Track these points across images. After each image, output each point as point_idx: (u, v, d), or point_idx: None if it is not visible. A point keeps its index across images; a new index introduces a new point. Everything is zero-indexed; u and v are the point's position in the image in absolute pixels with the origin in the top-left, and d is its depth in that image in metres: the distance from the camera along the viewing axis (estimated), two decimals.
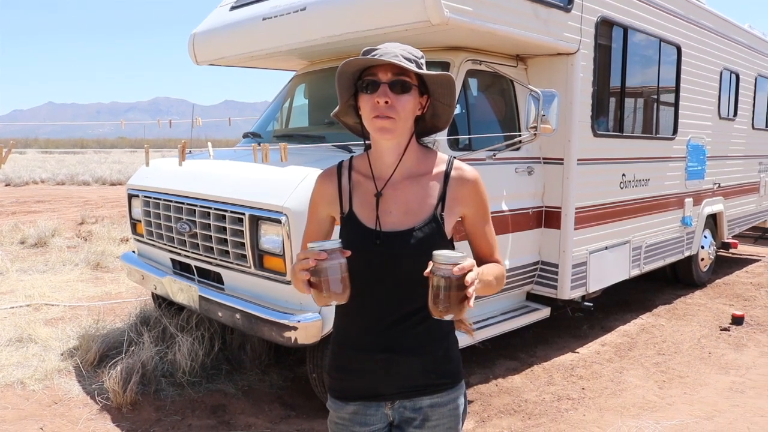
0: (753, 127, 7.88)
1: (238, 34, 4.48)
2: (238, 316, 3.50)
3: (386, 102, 1.47)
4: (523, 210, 4.40)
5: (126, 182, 4.69)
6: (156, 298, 4.98)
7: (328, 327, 3.22)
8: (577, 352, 4.75)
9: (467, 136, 4.04)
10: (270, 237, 3.37)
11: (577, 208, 4.56)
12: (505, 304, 4.60)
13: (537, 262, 4.63)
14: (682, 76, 5.93)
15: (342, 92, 1.56)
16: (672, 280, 6.86)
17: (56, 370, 4.14)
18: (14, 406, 3.69)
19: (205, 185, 3.81)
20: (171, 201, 3.99)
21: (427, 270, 1.34)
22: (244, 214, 3.45)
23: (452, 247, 1.55)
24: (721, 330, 5.31)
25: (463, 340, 3.88)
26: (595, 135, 4.74)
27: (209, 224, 3.68)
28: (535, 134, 3.83)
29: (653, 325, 5.46)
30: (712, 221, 7.03)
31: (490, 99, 4.44)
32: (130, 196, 4.56)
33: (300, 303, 3.32)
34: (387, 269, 1.51)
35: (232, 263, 3.62)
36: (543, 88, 3.82)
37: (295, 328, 3.21)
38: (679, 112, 5.95)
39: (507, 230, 4.24)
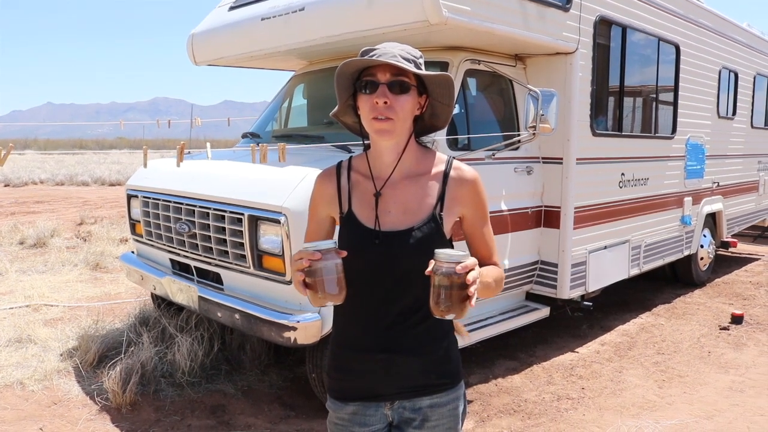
0: (752, 126, 7.89)
1: (236, 34, 4.47)
2: (237, 316, 3.50)
3: (385, 102, 1.47)
4: (522, 210, 4.40)
5: (125, 183, 4.69)
6: (155, 298, 4.98)
7: (328, 327, 3.22)
8: (577, 352, 4.75)
9: (466, 136, 4.04)
10: (269, 237, 3.37)
11: (576, 208, 4.56)
12: (504, 304, 4.60)
13: (536, 262, 4.63)
14: (680, 75, 5.93)
15: (341, 92, 1.56)
16: (671, 280, 6.86)
17: (55, 371, 4.14)
18: (14, 406, 3.68)
19: (204, 185, 3.81)
20: (170, 201, 3.99)
21: (429, 269, 1.34)
22: (243, 214, 3.44)
23: (452, 247, 1.55)
24: (720, 329, 5.31)
25: (463, 340, 3.90)
26: (594, 134, 4.74)
27: (208, 224, 3.68)
28: (534, 134, 3.83)
29: (653, 324, 5.46)
30: (712, 220, 7.04)
31: (489, 99, 4.44)
32: (129, 197, 4.56)
33: (299, 303, 3.31)
34: (386, 269, 1.51)
35: (231, 263, 3.62)
36: (542, 88, 3.82)
37: (294, 329, 3.21)
38: (678, 111, 5.95)
39: (506, 230, 4.24)
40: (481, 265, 1.59)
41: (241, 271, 3.59)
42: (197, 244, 3.82)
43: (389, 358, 1.55)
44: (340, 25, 3.74)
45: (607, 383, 4.15)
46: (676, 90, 5.91)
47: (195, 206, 3.77)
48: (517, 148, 4.30)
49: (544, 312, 4.68)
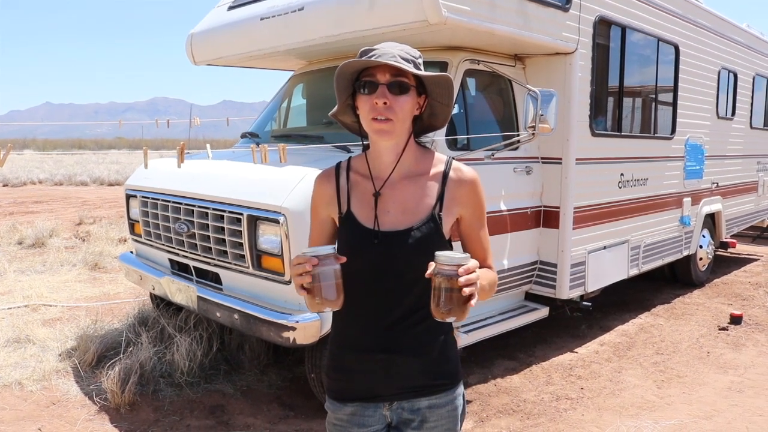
0: (751, 127, 7.89)
1: (235, 34, 4.47)
2: (236, 316, 3.49)
3: (385, 103, 1.46)
4: (521, 210, 4.40)
5: (124, 182, 4.68)
6: (154, 298, 4.97)
7: (327, 327, 3.22)
8: (576, 352, 4.75)
9: (465, 136, 4.04)
10: (268, 237, 3.37)
11: (575, 208, 4.56)
12: (503, 304, 4.60)
13: (535, 262, 4.63)
14: (680, 75, 5.93)
15: (340, 93, 1.55)
16: (670, 280, 6.86)
17: (54, 371, 4.14)
18: (12, 406, 3.68)
19: (203, 185, 3.81)
20: (169, 201, 3.99)
21: (429, 271, 1.33)
22: (242, 214, 3.44)
23: (451, 248, 1.54)
24: (719, 329, 5.31)
25: (462, 340, 3.90)
26: (594, 134, 4.74)
27: (207, 224, 3.68)
28: (533, 134, 3.83)
29: (652, 324, 5.46)
30: (711, 221, 7.04)
31: (489, 99, 4.44)
32: (128, 197, 4.56)
33: (298, 303, 3.31)
34: (385, 269, 1.51)
35: (230, 263, 3.62)
36: (541, 88, 3.82)
37: (293, 329, 3.21)
38: (678, 111, 5.95)
39: (505, 230, 4.24)
40: None
41: (240, 271, 3.59)
42: (196, 244, 3.81)
43: (388, 359, 1.54)
44: (339, 24, 3.74)
45: (606, 383, 4.14)
46: (675, 90, 5.91)
47: (194, 206, 3.77)
48: (516, 148, 4.30)
49: (543, 312, 4.68)
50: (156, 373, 3.93)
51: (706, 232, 6.89)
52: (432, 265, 1.33)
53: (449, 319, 1.34)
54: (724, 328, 5.33)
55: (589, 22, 4.53)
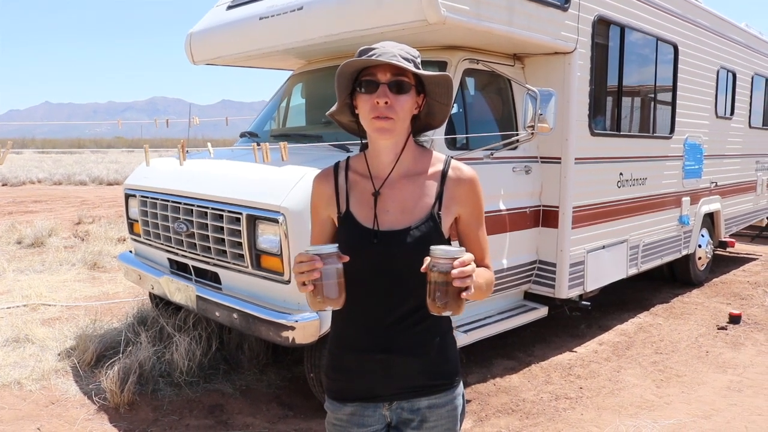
0: (750, 126, 7.90)
1: (234, 33, 4.47)
2: (235, 315, 3.49)
3: (386, 102, 1.46)
4: (520, 209, 4.40)
5: (123, 182, 4.68)
6: (153, 297, 4.97)
7: (326, 327, 3.22)
8: (575, 352, 4.75)
9: (464, 136, 4.04)
10: (267, 237, 3.37)
11: (574, 207, 4.56)
12: (502, 304, 4.60)
13: (534, 262, 4.63)
14: (679, 75, 5.93)
15: (340, 92, 1.55)
16: (669, 279, 6.86)
17: (53, 371, 4.13)
18: (11, 406, 3.68)
19: (202, 185, 3.81)
20: (168, 201, 3.98)
21: (424, 266, 1.34)
22: (241, 213, 3.44)
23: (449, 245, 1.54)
24: (718, 329, 5.32)
25: (461, 339, 3.90)
26: (593, 134, 4.74)
27: (206, 224, 3.68)
28: (532, 133, 3.83)
29: (651, 324, 5.47)
30: (710, 220, 7.04)
31: (488, 98, 4.44)
32: (127, 196, 4.55)
33: (298, 303, 3.31)
34: (385, 268, 1.51)
35: (229, 263, 3.62)
36: (540, 87, 3.82)
37: (292, 328, 3.21)
38: (677, 111, 5.95)
39: (504, 229, 4.24)
40: None
41: (240, 271, 3.59)
42: (195, 244, 3.81)
43: (388, 359, 1.54)
44: (339, 24, 3.74)
45: (605, 383, 4.15)
46: (674, 90, 5.91)
47: (193, 205, 3.76)
48: (515, 148, 4.30)
49: (542, 311, 4.69)
50: (155, 373, 3.93)
51: (704, 231, 6.90)
52: (427, 260, 1.34)
53: (445, 313, 1.35)
54: (723, 328, 5.33)
55: (588, 21, 4.53)
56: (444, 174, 1.58)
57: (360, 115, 1.53)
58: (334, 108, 1.60)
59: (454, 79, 3.84)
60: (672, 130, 5.92)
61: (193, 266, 3.99)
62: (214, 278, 3.84)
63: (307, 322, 3.21)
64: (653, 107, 5.76)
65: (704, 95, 6.54)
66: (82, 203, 14.56)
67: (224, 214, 3.55)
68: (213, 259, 3.73)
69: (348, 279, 1.43)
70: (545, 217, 4.59)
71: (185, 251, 3.94)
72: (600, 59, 4.80)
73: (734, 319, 5.49)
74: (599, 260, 4.92)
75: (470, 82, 4.26)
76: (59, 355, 4.40)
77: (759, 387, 4.10)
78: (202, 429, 3.46)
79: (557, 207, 4.54)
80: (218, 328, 4.38)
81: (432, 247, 1.33)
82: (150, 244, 4.35)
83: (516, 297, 4.75)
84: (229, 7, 4.62)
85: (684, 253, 6.40)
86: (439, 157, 1.62)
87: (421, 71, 1.49)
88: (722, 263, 7.93)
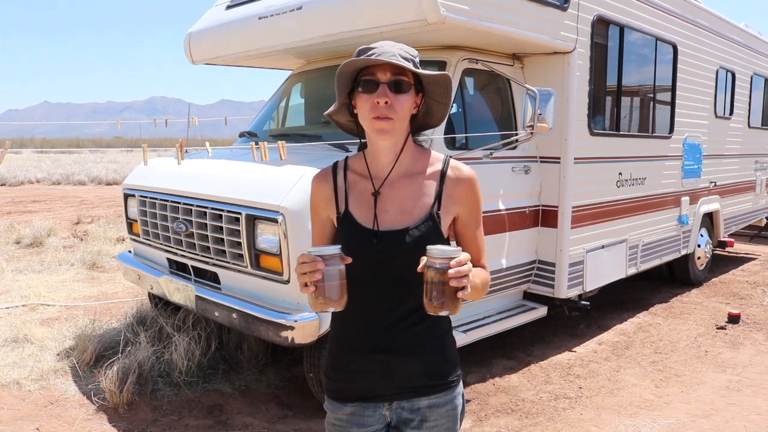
0: (749, 126, 7.90)
1: (233, 33, 4.47)
2: (234, 315, 3.49)
3: (386, 102, 1.46)
4: (519, 209, 4.40)
5: (122, 182, 4.68)
6: (152, 297, 4.97)
7: (325, 327, 3.22)
8: (574, 351, 4.75)
9: (464, 135, 4.04)
10: (267, 236, 3.36)
11: (573, 207, 4.56)
12: (502, 303, 4.60)
13: (534, 261, 4.63)
14: (678, 74, 5.94)
15: (340, 92, 1.55)
16: (668, 279, 6.87)
17: (52, 371, 4.13)
18: (10, 406, 3.67)
19: (201, 185, 3.80)
20: (167, 200, 3.98)
21: (421, 265, 1.34)
22: (240, 213, 3.44)
23: (448, 244, 1.54)
24: (717, 328, 5.32)
25: (461, 339, 3.90)
26: (592, 134, 4.74)
27: (206, 224, 3.67)
28: (531, 133, 3.83)
29: (650, 323, 5.47)
30: (709, 220, 7.05)
31: (487, 98, 4.44)
32: (126, 196, 4.55)
33: (297, 303, 3.31)
34: (384, 268, 1.51)
35: (228, 263, 3.62)
36: (540, 87, 3.82)
37: (292, 328, 3.20)
38: (676, 110, 5.96)
39: (504, 229, 4.24)
40: None
41: (239, 271, 3.58)
42: (194, 244, 3.81)
43: (388, 359, 1.54)
44: (338, 24, 3.74)
45: (605, 382, 4.15)
46: (673, 90, 5.92)
47: (192, 205, 3.76)
48: (514, 148, 4.30)
49: (541, 311, 4.69)
50: (154, 373, 3.93)
51: (704, 231, 6.90)
52: (424, 259, 1.34)
53: (442, 313, 1.35)
54: (722, 327, 5.33)
55: (587, 21, 4.53)
56: (443, 174, 1.58)
57: (359, 115, 1.53)
58: (332, 108, 1.60)
59: (453, 78, 3.86)
60: (671, 130, 5.93)
61: (192, 266, 3.99)
62: (214, 278, 3.84)
63: (307, 322, 3.21)
64: (652, 107, 5.76)
65: (703, 95, 6.54)
66: (81, 203, 14.55)
67: (223, 213, 3.55)
68: (212, 258, 3.73)
69: (347, 279, 1.43)
70: (544, 217, 4.60)
71: (184, 251, 3.94)
72: (599, 59, 4.80)
73: (733, 319, 5.49)
74: (598, 260, 4.92)
75: (469, 81, 4.26)
76: (58, 355, 4.40)
77: (758, 386, 4.11)
78: (201, 429, 3.45)
79: (556, 207, 4.54)
80: (217, 328, 4.37)
81: (428, 247, 1.33)
82: (149, 244, 4.35)
83: (515, 297, 4.75)
84: (228, 7, 4.62)
85: (683, 252, 6.41)
86: (438, 157, 1.61)
87: (421, 71, 1.49)
88: (721, 263, 7.94)
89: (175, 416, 3.58)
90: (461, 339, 3.91)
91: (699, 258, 6.83)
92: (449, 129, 3.96)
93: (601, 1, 4.69)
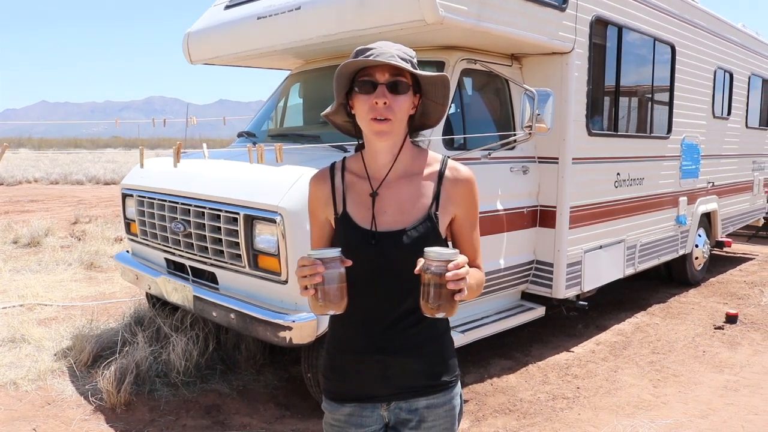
0: (746, 126, 7.91)
1: (232, 33, 4.46)
2: (232, 315, 3.49)
3: (385, 103, 1.46)
4: (518, 209, 4.40)
5: (120, 181, 4.67)
6: (150, 298, 4.96)
7: (323, 327, 3.21)
8: (572, 351, 4.75)
9: (462, 136, 4.04)
10: (265, 237, 3.36)
11: (571, 207, 4.56)
12: (500, 304, 4.60)
13: (532, 262, 4.63)
14: (676, 75, 5.94)
15: (339, 92, 1.55)
16: (666, 279, 6.88)
17: (49, 371, 4.12)
18: (7, 406, 3.66)
19: (199, 185, 3.80)
20: (165, 200, 3.98)
21: (418, 267, 1.34)
22: (238, 213, 3.43)
23: (445, 246, 1.54)
24: (715, 328, 5.33)
25: (458, 339, 3.90)
26: (590, 134, 4.74)
27: (204, 224, 3.67)
28: (530, 133, 3.83)
29: (648, 323, 5.47)
30: (707, 220, 7.06)
31: (485, 98, 4.44)
32: (124, 196, 4.54)
33: (295, 303, 3.31)
34: (383, 269, 1.51)
35: (226, 263, 3.61)
36: (538, 87, 3.82)
37: (289, 328, 3.20)
38: (674, 111, 5.96)
39: (502, 230, 4.24)
40: None
41: (237, 271, 3.58)
42: (192, 244, 3.80)
43: (385, 360, 1.54)
44: (336, 24, 3.74)
45: (603, 383, 4.15)
46: (671, 90, 5.92)
47: (190, 205, 3.76)
48: (513, 148, 4.30)
49: (539, 311, 4.69)
50: (152, 373, 3.92)
51: (701, 231, 6.91)
52: (421, 261, 1.33)
53: (438, 315, 1.35)
54: (719, 327, 5.34)
55: (585, 21, 4.54)
56: (441, 174, 1.57)
57: (357, 116, 1.53)
58: (329, 109, 1.59)
59: (451, 79, 3.86)
60: (669, 131, 5.93)
61: (190, 266, 3.98)
62: (212, 278, 3.84)
63: (305, 323, 3.21)
64: (650, 107, 5.77)
65: (701, 95, 6.55)
66: (78, 203, 14.52)
67: (221, 214, 3.55)
68: (210, 259, 3.73)
69: (346, 280, 1.42)
70: (542, 217, 4.60)
71: (182, 251, 3.94)
72: (597, 59, 4.80)
73: (731, 319, 5.50)
74: (596, 260, 4.92)
75: (468, 82, 4.26)
76: (55, 355, 4.39)
77: (755, 386, 4.11)
78: (199, 429, 3.45)
79: (554, 207, 4.54)
80: (215, 328, 4.37)
81: (426, 249, 1.33)
82: (147, 244, 4.34)
83: (513, 297, 4.75)
84: (227, 7, 4.61)
85: (681, 252, 6.42)
86: (435, 157, 1.61)
87: (419, 71, 1.49)
88: (719, 263, 7.95)
89: (173, 416, 3.57)
90: (459, 339, 3.91)
91: (697, 258, 6.84)
92: (447, 129, 3.96)
93: (599, 2, 4.69)
